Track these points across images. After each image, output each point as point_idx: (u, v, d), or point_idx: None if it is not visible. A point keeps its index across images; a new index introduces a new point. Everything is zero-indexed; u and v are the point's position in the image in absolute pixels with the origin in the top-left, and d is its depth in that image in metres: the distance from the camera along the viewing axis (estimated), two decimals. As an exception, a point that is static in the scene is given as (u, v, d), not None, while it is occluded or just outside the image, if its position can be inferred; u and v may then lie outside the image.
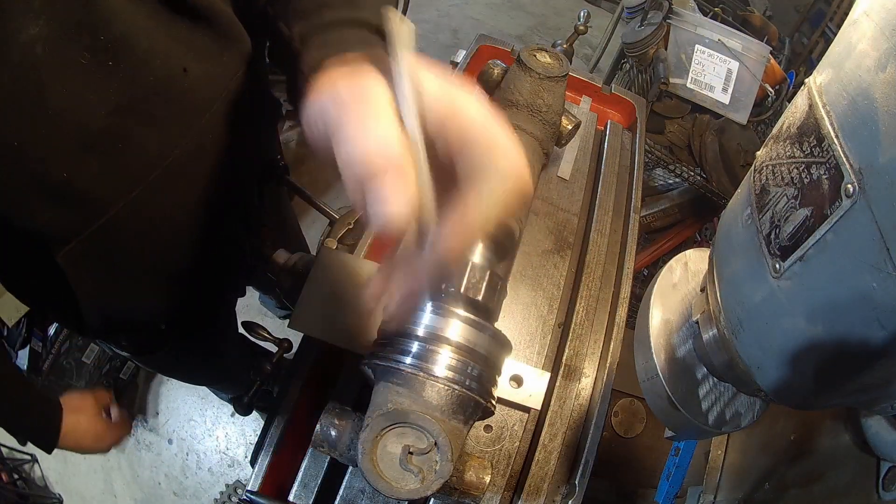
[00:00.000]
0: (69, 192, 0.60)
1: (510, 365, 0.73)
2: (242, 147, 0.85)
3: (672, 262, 0.78)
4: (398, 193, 0.36)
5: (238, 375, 1.48)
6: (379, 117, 0.38)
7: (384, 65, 0.43)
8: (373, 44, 0.55)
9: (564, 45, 1.06)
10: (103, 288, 0.74)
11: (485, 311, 0.66)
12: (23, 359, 1.95)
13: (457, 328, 0.57)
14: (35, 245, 0.64)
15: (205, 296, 0.98)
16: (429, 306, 0.58)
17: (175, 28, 0.62)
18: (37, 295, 0.82)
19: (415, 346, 0.56)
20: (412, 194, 0.37)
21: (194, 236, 0.81)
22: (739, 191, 0.61)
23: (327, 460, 0.67)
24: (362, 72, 0.43)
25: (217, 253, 0.91)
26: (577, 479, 0.67)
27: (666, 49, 2.07)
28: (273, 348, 0.89)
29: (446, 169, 0.41)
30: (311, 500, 0.65)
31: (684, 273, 0.76)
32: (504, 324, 0.78)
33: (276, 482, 0.67)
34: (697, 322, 0.66)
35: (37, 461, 2.00)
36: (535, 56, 0.81)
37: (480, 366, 0.57)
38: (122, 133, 0.61)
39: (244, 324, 0.97)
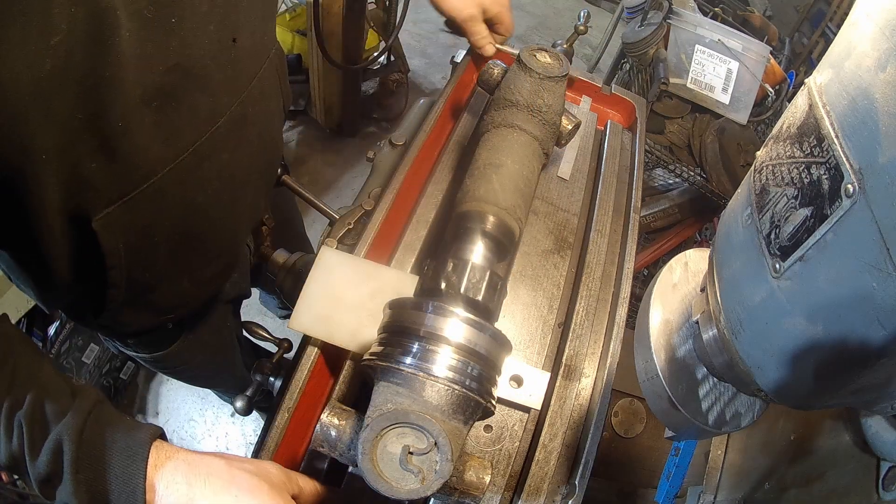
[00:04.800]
0: (122, 144, 0.61)
1: (510, 365, 0.72)
2: (272, 128, 0.88)
3: (672, 262, 0.78)
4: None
5: (240, 376, 1.48)
6: None
7: None
8: None
9: (564, 45, 1.06)
10: (134, 256, 0.72)
11: (485, 311, 0.66)
12: (23, 359, 1.94)
13: (457, 328, 0.57)
14: (73, 205, 0.62)
15: (217, 284, 0.97)
16: (429, 306, 0.58)
17: None
18: (54, 271, 0.72)
19: (415, 346, 0.56)
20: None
21: (225, 215, 0.83)
22: (739, 191, 0.61)
23: (327, 460, 0.67)
24: None
25: (241, 238, 0.92)
26: (577, 479, 0.67)
27: (666, 49, 2.07)
28: (273, 348, 0.89)
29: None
30: (311, 500, 0.65)
31: (684, 273, 0.76)
32: (504, 324, 0.78)
33: (276, 482, 0.67)
34: (697, 322, 0.66)
35: (37, 461, 2.00)
36: (535, 56, 0.81)
37: (480, 366, 0.57)
38: (177, 92, 0.63)
39: (244, 324, 0.97)
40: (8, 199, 0.58)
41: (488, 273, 0.66)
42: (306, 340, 0.72)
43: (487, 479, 0.57)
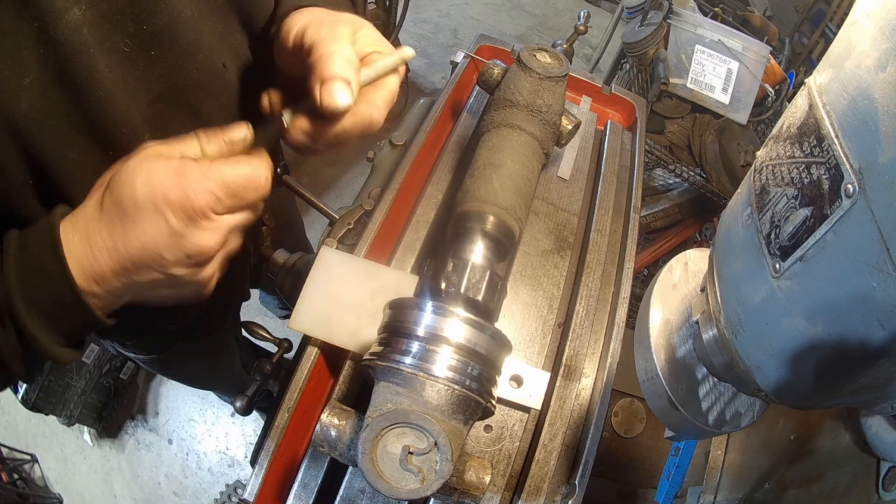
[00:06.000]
0: None
1: (510, 365, 0.72)
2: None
3: (672, 262, 0.78)
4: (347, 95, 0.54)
5: (238, 376, 1.48)
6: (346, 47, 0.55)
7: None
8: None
9: (564, 45, 1.06)
10: None
11: (485, 311, 0.66)
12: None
13: (457, 328, 0.57)
14: None
15: (218, 294, 0.97)
16: (429, 306, 0.58)
17: (214, 22, 0.64)
18: None
19: (415, 346, 0.56)
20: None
21: None
22: (739, 191, 0.61)
23: (327, 460, 0.67)
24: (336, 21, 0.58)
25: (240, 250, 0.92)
26: (577, 479, 0.67)
27: (666, 49, 2.07)
28: (273, 348, 0.89)
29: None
30: (311, 500, 0.65)
31: (684, 273, 0.76)
32: (504, 324, 0.78)
33: (276, 483, 0.67)
34: (697, 322, 0.66)
35: (37, 461, 2.00)
36: (535, 56, 0.81)
37: (480, 365, 0.57)
38: (164, 123, 0.62)
39: (244, 324, 0.97)
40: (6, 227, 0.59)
41: (488, 273, 0.66)
42: (306, 340, 0.72)
43: (487, 479, 0.57)
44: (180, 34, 0.59)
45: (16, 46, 0.48)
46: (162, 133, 0.62)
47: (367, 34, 0.60)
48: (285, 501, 0.65)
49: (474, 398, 0.55)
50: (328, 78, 0.52)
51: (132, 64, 0.57)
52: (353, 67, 0.54)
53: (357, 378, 0.71)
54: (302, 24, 0.58)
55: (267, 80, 0.79)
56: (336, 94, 0.52)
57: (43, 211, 0.60)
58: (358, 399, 0.70)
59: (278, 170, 1.04)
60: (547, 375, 0.74)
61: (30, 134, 0.52)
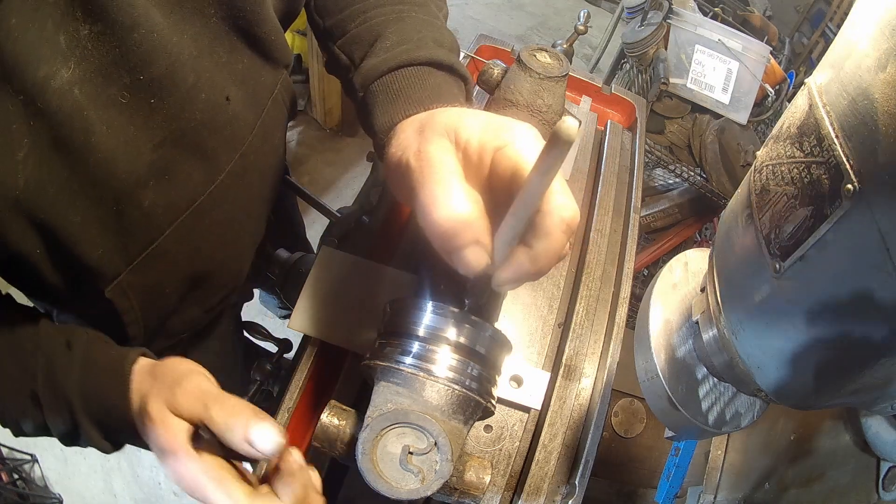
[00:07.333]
0: (120, 226, 0.60)
1: (510, 365, 0.72)
2: (277, 154, 0.86)
3: (672, 262, 0.78)
4: (477, 261, 0.44)
5: (239, 376, 1.48)
6: (449, 187, 0.44)
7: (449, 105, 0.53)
8: (436, 89, 0.63)
9: (564, 45, 1.06)
10: (147, 309, 0.73)
11: (485, 311, 0.66)
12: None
13: (457, 328, 0.57)
14: (85, 281, 0.63)
15: (224, 304, 0.97)
16: (429, 306, 0.58)
17: (216, 53, 0.61)
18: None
19: (415, 346, 0.56)
20: (486, 257, 0.44)
21: (230, 252, 0.82)
22: (739, 191, 0.60)
23: (327, 460, 0.67)
24: (430, 134, 0.48)
25: (246, 265, 0.92)
26: (577, 479, 0.67)
27: (666, 49, 2.07)
28: (273, 348, 0.89)
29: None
30: (311, 500, 0.65)
31: (684, 273, 0.76)
32: (504, 324, 0.78)
33: (276, 482, 0.67)
34: (697, 322, 0.66)
35: (37, 461, 2.00)
36: (535, 56, 0.81)
37: (480, 365, 0.57)
38: (169, 165, 0.61)
39: (244, 324, 0.97)
40: (19, 281, 0.62)
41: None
42: (306, 340, 0.72)
43: (487, 479, 0.57)
44: (180, 79, 0.56)
45: (3, 123, 0.46)
46: (166, 176, 0.62)
47: (474, 123, 0.46)
48: None
49: (474, 398, 0.55)
50: (453, 249, 0.43)
51: (131, 114, 0.55)
52: (464, 211, 0.43)
53: (357, 378, 0.71)
54: (397, 152, 0.51)
55: (276, 92, 0.76)
56: (466, 260, 0.43)
57: (55, 274, 0.61)
58: (358, 399, 0.70)
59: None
60: (547, 375, 0.74)
61: (30, 207, 0.52)
